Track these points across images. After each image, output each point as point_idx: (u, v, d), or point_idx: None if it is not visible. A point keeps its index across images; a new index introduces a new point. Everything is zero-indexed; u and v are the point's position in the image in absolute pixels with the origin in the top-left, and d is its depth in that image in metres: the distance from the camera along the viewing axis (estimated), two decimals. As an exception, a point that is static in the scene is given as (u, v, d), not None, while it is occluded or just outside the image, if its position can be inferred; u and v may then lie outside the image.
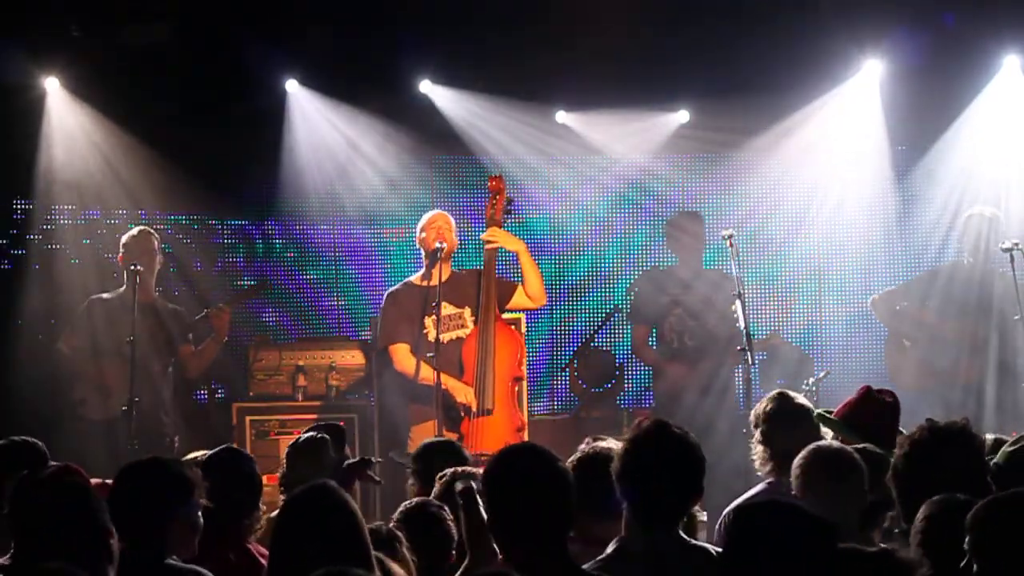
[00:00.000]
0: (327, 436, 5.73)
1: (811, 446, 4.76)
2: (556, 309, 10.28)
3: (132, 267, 8.33)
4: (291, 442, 5.85)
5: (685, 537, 4.23)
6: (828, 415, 5.39)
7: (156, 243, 8.61)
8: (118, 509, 4.12)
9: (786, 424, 5.42)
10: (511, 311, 8.39)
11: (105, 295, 8.69)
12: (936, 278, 8.93)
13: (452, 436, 7.78)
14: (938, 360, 8.67)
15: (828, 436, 5.44)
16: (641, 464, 4.11)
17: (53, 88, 9.27)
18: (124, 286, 8.59)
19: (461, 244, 8.36)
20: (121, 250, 8.61)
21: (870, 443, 4.95)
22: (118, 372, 8.38)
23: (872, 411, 5.29)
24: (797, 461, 4.72)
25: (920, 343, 8.76)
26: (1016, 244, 8.17)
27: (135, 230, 8.64)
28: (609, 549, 4.13)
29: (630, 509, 4.12)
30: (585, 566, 4.00)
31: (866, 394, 5.38)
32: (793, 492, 4.70)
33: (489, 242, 8.14)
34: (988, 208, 8.80)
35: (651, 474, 4.10)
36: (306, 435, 5.77)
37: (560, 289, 10.30)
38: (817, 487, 4.58)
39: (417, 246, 8.30)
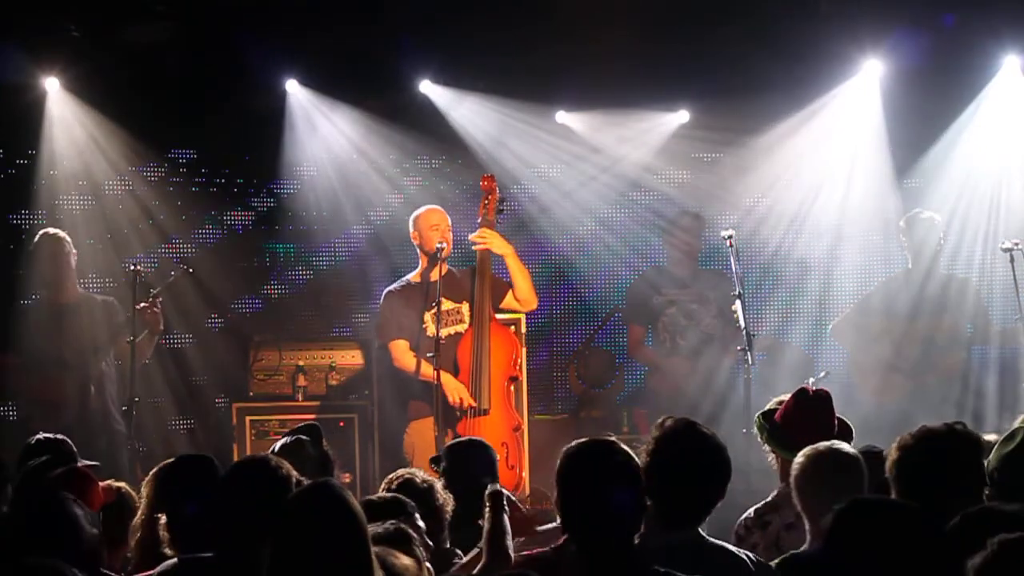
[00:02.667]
0: (304, 436, 5.74)
1: (813, 447, 4.74)
2: (556, 309, 10.28)
3: (132, 267, 8.33)
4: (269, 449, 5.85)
5: (704, 535, 4.22)
6: (768, 421, 5.37)
7: (66, 244, 8.45)
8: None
9: None
10: (504, 311, 8.41)
11: (28, 303, 8.59)
12: (888, 288, 8.99)
13: (448, 436, 7.82)
14: (913, 361, 8.71)
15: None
16: (669, 462, 4.09)
17: (53, 88, 9.27)
18: (45, 289, 8.51)
19: (457, 243, 8.38)
20: (34, 256, 8.49)
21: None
22: (60, 382, 8.31)
23: (805, 412, 5.29)
24: (798, 460, 4.70)
25: (890, 352, 8.79)
26: (1016, 244, 8.20)
27: (40, 233, 8.51)
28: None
29: (654, 506, 4.09)
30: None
31: (799, 398, 5.38)
32: (793, 493, 4.68)
33: (480, 243, 8.16)
34: (933, 213, 8.89)
35: (679, 472, 4.08)
36: (280, 442, 5.78)
37: (560, 289, 10.30)
38: (817, 488, 4.55)
39: (415, 241, 8.31)
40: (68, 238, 8.51)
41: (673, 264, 9.24)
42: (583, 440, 3.98)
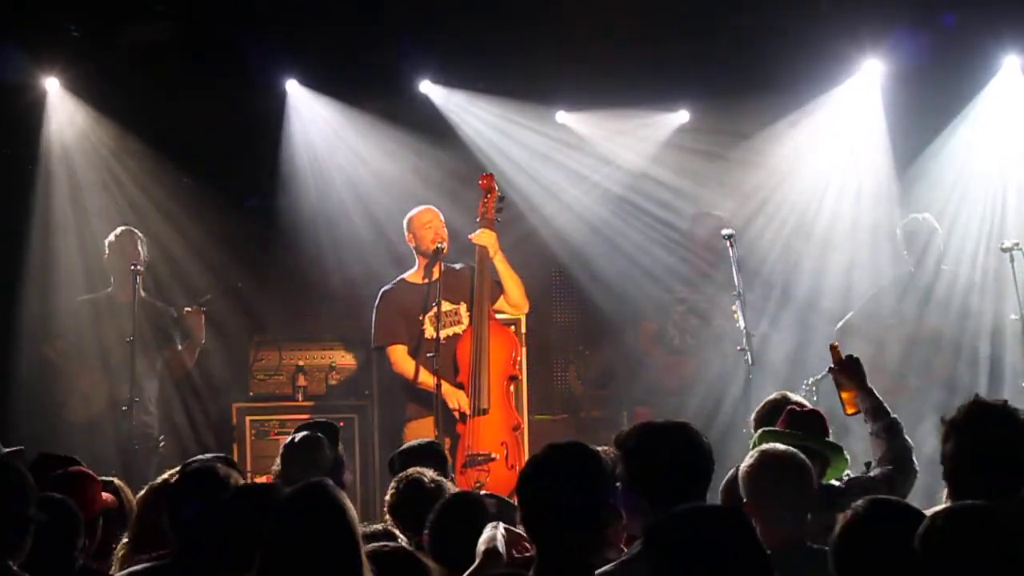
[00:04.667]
0: (322, 435, 5.74)
1: (757, 450, 4.70)
2: (556, 309, 10.28)
3: (132, 267, 8.37)
4: (286, 441, 5.84)
5: None
6: (773, 429, 5.39)
7: (139, 242, 8.63)
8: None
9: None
10: (499, 312, 8.43)
11: (90, 296, 8.75)
12: (888, 291, 9.01)
13: (447, 439, 7.82)
14: (899, 363, 8.72)
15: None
16: (644, 462, 4.09)
17: (53, 88, 9.29)
18: (111, 286, 8.63)
19: (456, 241, 8.39)
20: (106, 250, 8.66)
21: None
22: (98, 374, 8.48)
23: (803, 422, 5.28)
24: (743, 467, 4.64)
25: (883, 354, 8.81)
26: (1016, 244, 8.22)
27: (118, 230, 8.74)
28: (634, 550, 4.09)
29: (644, 507, 4.09)
30: (606, 567, 3.99)
31: (791, 411, 5.39)
32: (744, 499, 4.63)
33: (480, 246, 8.18)
34: (930, 216, 8.92)
35: (655, 470, 4.07)
36: (301, 434, 5.77)
37: (560, 289, 10.29)
38: (766, 490, 4.52)
39: (410, 243, 8.31)
40: (143, 238, 8.65)
41: (688, 263, 9.29)
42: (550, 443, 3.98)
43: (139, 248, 8.65)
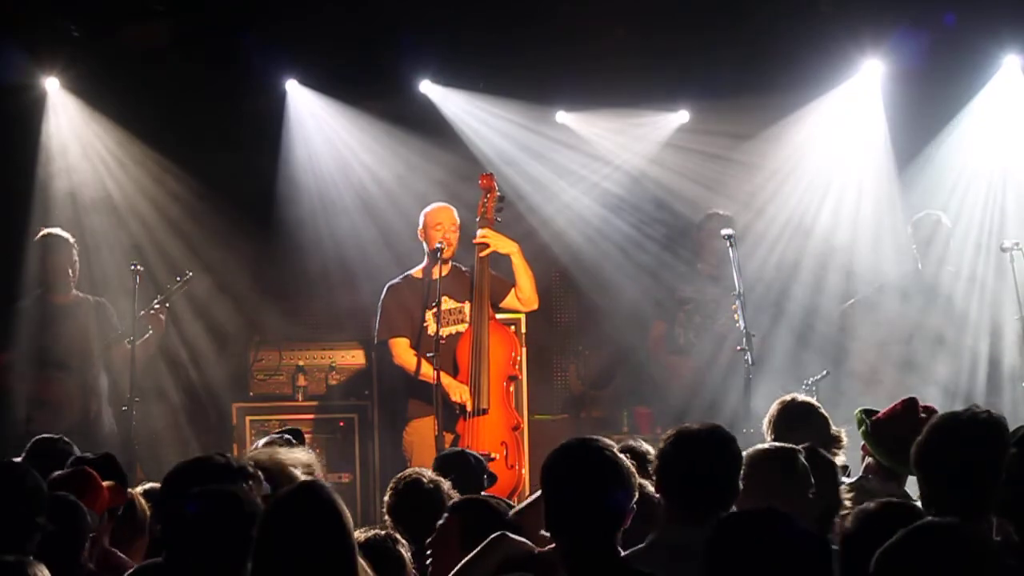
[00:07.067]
0: (289, 436, 5.71)
1: (757, 445, 4.72)
2: (556, 309, 10.27)
3: (132, 267, 8.34)
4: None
5: None
6: (870, 417, 5.37)
7: (66, 244, 8.47)
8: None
9: (793, 425, 5.45)
10: (505, 311, 8.43)
11: (26, 302, 8.53)
12: (895, 285, 9.00)
13: (448, 436, 7.82)
14: (904, 361, 8.73)
15: (842, 432, 5.49)
16: (678, 460, 4.13)
17: (53, 88, 9.29)
18: (39, 288, 8.50)
19: (463, 241, 8.38)
20: (39, 251, 8.50)
21: (897, 457, 4.93)
22: (61, 383, 8.32)
23: (909, 424, 5.25)
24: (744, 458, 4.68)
25: (891, 352, 8.81)
26: (1016, 244, 8.23)
27: (42, 233, 8.53)
28: (644, 543, 4.13)
29: (668, 504, 4.13)
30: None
31: (908, 405, 5.36)
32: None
33: (481, 245, 8.17)
34: (941, 214, 8.92)
35: (688, 469, 4.11)
36: (265, 439, 5.76)
37: (560, 289, 10.29)
38: (760, 483, 4.52)
39: (421, 239, 8.32)
40: (70, 238, 8.54)
41: (698, 263, 9.30)
42: (569, 439, 4.00)
43: (67, 249, 8.43)
